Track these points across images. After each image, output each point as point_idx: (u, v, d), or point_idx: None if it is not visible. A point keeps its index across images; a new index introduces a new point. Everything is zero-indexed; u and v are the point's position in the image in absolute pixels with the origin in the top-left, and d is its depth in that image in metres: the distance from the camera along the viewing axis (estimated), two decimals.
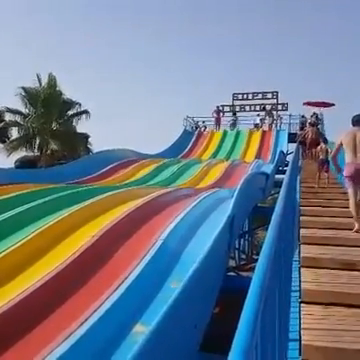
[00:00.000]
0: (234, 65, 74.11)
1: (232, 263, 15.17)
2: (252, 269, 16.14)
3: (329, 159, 8.84)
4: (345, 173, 5.73)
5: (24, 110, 25.30)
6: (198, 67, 75.30)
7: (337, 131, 10.08)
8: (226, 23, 78.38)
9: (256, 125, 23.37)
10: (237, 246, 16.52)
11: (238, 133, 22.75)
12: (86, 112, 26.19)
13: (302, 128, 17.67)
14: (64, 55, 71.46)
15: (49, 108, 24.35)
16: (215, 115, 23.97)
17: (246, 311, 1.22)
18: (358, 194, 5.64)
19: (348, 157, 5.60)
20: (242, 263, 16.27)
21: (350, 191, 5.70)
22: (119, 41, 79.63)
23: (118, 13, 78.28)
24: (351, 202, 5.61)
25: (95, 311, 3.59)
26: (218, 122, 23.97)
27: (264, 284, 1.45)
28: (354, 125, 5.75)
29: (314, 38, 78.54)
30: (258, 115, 24.14)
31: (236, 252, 16.39)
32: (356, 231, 5.31)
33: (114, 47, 79.79)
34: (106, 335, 3.39)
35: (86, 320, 3.46)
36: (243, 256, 17.43)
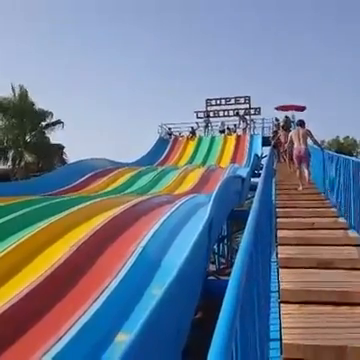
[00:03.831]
0: (207, 71, 74.91)
1: (212, 268, 15.25)
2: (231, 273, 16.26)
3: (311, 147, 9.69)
4: (294, 155, 9.30)
5: None
6: (169, 75, 75.83)
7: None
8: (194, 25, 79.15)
9: (222, 131, 23.68)
10: (216, 251, 16.63)
11: (213, 138, 22.99)
12: (59, 122, 25.95)
13: (276, 132, 18.00)
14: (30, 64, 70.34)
15: (22, 119, 24.01)
16: (190, 135, 23.90)
17: (223, 314, 1.22)
18: (301, 167, 9.12)
19: (296, 144, 9.15)
20: (222, 267, 16.37)
21: (296, 166, 9.30)
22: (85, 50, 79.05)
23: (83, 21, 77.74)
24: (298, 173, 9.22)
25: (76, 322, 3.57)
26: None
27: (240, 287, 1.46)
28: (298, 125, 9.47)
29: (287, 41, 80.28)
30: (222, 123, 24.41)
31: (215, 257, 16.50)
32: (300, 189, 8.79)
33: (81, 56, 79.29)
34: (88, 346, 3.37)
35: (67, 332, 3.42)
36: (223, 260, 17.54)
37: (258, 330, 2.13)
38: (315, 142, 9.59)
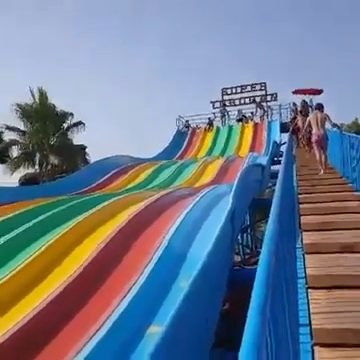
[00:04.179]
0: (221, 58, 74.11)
1: (237, 258, 15.26)
2: (257, 263, 16.20)
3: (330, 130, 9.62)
4: (313, 139, 9.33)
5: (22, 127, 25.47)
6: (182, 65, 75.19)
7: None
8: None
9: (239, 120, 23.47)
10: (240, 241, 16.61)
11: (230, 128, 22.86)
12: (81, 123, 26.32)
13: (294, 117, 17.74)
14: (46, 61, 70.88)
15: (44, 122, 24.49)
16: (207, 126, 23.82)
17: (254, 302, 1.22)
18: (320, 152, 9.07)
19: (314, 129, 9.12)
20: (247, 257, 16.36)
21: (316, 151, 9.16)
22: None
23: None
24: (317, 157, 9.13)
25: (106, 320, 3.66)
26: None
27: (269, 274, 1.48)
28: (316, 109, 9.40)
29: (303, 25, 78.55)
30: (239, 111, 24.22)
31: (240, 247, 16.49)
32: (323, 172, 8.84)
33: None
34: (121, 339, 3.46)
35: (97, 331, 3.52)
36: (247, 251, 17.52)
37: (288, 316, 2.16)
38: (335, 125, 9.43)
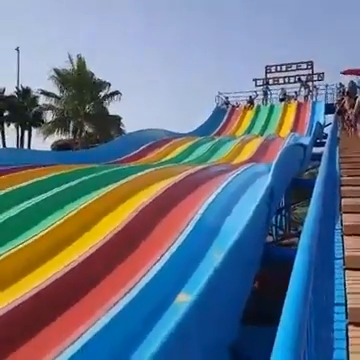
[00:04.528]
0: (265, 35, 71.85)
1: (269, 239, 15.10)
2: (289, 244, 16.04)
3: None
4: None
5: (58, 93, 25.79)
6: (226, 39, 73.46)
7: None
8: None
9: (282, 100, 22.76)
10: (274, 222, 16.39)
11: (272, 107, 22.28)
12: (118, 93, 26.36)
13: (341, 99, 17.02)
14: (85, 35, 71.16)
15: (81, 90, 24.67)
16: (248, 104, 23.28)
17: (295, 279, 1.20)
18: None
19: None
20: (279, 238, 16.17)
21: None
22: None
23: None
24: None
25: (138, 282, 3.68)
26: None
27: (311, 252, 1.44)
28: None
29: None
30: (282, 89, 23.47)
31: (273, 228, 16.28)
32: None
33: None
34: (150, 305, 3.46)
35: (129, 291, 3.54)
36: (280, 232, 17.28)
37: (325, 296, 2.10)
38: None
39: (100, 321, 3.08)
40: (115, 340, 2.95)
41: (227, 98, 24.30)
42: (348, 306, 2.60)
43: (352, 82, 17.30)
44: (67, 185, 6.27)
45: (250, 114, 21.93)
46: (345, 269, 3.29)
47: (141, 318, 3.31)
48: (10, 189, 5.97)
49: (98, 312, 3.26)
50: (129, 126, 29.81)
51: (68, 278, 3.80)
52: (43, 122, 27.04)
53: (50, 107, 25.87)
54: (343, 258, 3.47)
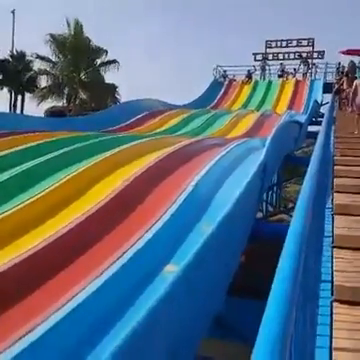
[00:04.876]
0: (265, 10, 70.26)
1: (259, 215, 15.23)
2: (279, 221, 16.21)
3: None
4: (357, 102, 9.25)
5: (53, 58, 25.21)
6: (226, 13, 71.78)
7: None
8: None
9: (280, 76, 22.53)
10: (265, 198, 16.51)
11: (270, 83, 22.07)
12: (115, 61, 25.85)
13: (340, 78, 16.87)
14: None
15: (77, 56, 24.13)
16: (245, 79, 23.00)
17: (286, 256, 1.20)
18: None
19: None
20: (269, 214, 16.33)
21: (356, 115, 9.19)
22: None
23: None
24: (356, 119, 9.15)
25: (126, 252, 3.68)
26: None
27: (304, 230, 1.44)
28: None
29: None
30: (281, 64, 23.31)
31: (264, 204, 16.40)
32: (356, 133, 8.89)
33: None
34: (137, 274, 3.48)
35: (117, 260, 3.55)
36: (271, 209, 17.43)
37: (313, 274, 2.11)
38: None
39: (90, 286, 3.10)
40: (104, 305, 2.97)
41: (225, 71, 23.95)
42: (334, 283, 2.63)
43: (352, 62, 17.13)
44: (60, 151, 6.19)
45: (247, 89, 21.73)
46: (333, 247, 3.33)
47: (130, 285, 3.34)
48: (1, 154, 5.88)
49: (89, 277, 3.28)
50: (126, 96, 29.36)
51: (60, 242, 3.80)
52: (37, 87, 26.47)
53: (45, 72, 25.28)
54: (332, 236, 3.50)
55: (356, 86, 9.48)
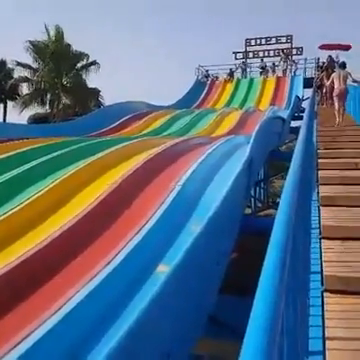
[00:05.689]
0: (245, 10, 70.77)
1: (248, 211, 15.33)
2: (267, 215, 16.33)
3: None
4: (334, 93, 10.34)
5: (34, 65, 24.95)
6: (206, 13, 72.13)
7: (354, 73, 10.52)
8: None
9: (263, 68, 22.82)
10: (253, 194, 16.62)
11: (251, 80, 22.24)
12: (95, 63, 25.67)
13: (321, 73, 17.11)
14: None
15: (58, 61, 23.94)
16: (228, 77, 23.16)
17: (272, 249, 1.19)
18: (339, 104, 10.13)
19: (336, 85, 10.15)
20: (257, 210, 16.45)
21: (337, 104, 10.19)
22: None
23: None
24: (336, 107, 10.19)
25: (117, 254, 3.68)
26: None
27: (289, 223, 1.44)
28: (339, 67, 10.64)
29: None
30: (262, 60, 23.79)
31: (252, 200, 16.52)
32: (338, 124, 9.81)
33: None
34: (129, 276, 3.48)
35: (109, 263, 3.54)
36: (259, 204, 17.56)
37: (302, 265, 2.13)
38: (354, 81, 10.74)
39: (83, 290, 3.09)
40: (98, 308, 2.97)
41: (208, 71, 24.06)
42: (324, 274, 2.66)
43: (330, 57, 17.39)
44: (46, 157, 6.14)
45: (230, 87, 21.85)
46: (321, 238, 3.37)
47: (122, 287, 3.34)
48: None
49: (81, 280, 3.27)
50: (109, 100, 29.23)
51: (51, 247, 3.78)
52: (19, 95, 26.18)
53: (26, 79, 25.01)
54: (319, 228, 3.55)
55: (333, 78, 10.45)
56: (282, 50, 23.73)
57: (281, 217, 1.46)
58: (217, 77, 23.69)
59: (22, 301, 3.10)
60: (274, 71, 22.71)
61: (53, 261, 3.65)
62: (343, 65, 10.57)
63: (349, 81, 10.56)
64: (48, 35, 24.64)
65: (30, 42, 24.40)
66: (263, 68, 22.93)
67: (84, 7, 73.68)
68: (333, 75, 10.76)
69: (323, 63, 18.33)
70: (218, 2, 77.09)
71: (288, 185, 1.93)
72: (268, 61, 23.88)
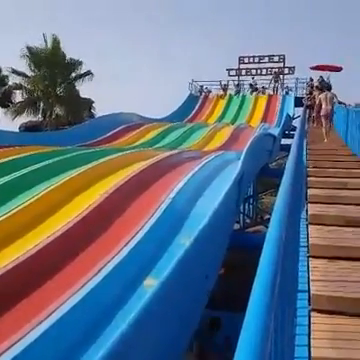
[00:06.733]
0: (239, 28, 71.97)
1: (237, 226, 15.34)
2: (256, 232, 16.37)
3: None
4: (322, 113, 11.25)
5: (29, 72, 24.91)
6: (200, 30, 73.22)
7: (345, 95, 11.07)
8: None
9: (251, 85, 23.22)
10: (241, 210, 16.67)
11: (244, 97, 22.52)
12: (89, 73, 25.72)
13: (311, 93, 17.42)
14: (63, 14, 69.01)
15: (53, 69, 23.92)
16: (222, 92, 23.53)
17: (263, 266, 1.18)
18: (326, 122, 11.13)
19: (324, 105, 11.15)
20: (246, 226, 16.48)
21: (324, 123, 11.17)
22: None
23: None
24: (323, 126, 11.20)
25: (104, 266, 3.65)
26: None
27: (280, 240, 1.44)
28: (326, 90, 11.86)
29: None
30: (253, 78, 24.17)
31: (241, 216, 16.55)
32: (325, 141, 10.62)
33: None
34: (116, 289, 3.46)
35: (95, 275, 3.51)
36: (247, 220, 17.60)
37: (290, 283, 2.14)
38: (340, 102, 12.12)
39: (67, 302, 3.06)
40: (85, 319, 2.94)
41: (202, 87, 24.36)
42: (311, 293, 2.67)
43: (321, 77, 17.75)
44: (38, 165, 6.12)
45: (222, 103, 22.08)
46: (309, 257, 3.38)
47: (109, 302, 3.31)
48: None
49: (67, 293, 3.23)
50: (102, 111, 29.21)
51: (32, 260, 3.74)
52: (12, 103, 26.07)
53: (20, 87, 24.94)
54: (307, 246, 3.57)
55: (320, 99, 11.41)
56: (275, 71, 24.19)
57: (272, 232, 1.47)
58: (210, 91, 23.99)
59: (13, 306, 3.06)
60: (264, 93, 23.10)
61: (42, 270, 3.62)
62: (329, 87, 11.76)
63: (335, 102, 11.48)
64: (45, 42, 24.66)
65: (27, 47, 24.36)
66: (251, 86, 23.34)
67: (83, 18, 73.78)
68: (320, 96, 11.65)
69: (313, 83, 18.75)
70: (214, 17, 77.93)
71: (279, 202, 1.94)
72: (259, 80, 24.32)
